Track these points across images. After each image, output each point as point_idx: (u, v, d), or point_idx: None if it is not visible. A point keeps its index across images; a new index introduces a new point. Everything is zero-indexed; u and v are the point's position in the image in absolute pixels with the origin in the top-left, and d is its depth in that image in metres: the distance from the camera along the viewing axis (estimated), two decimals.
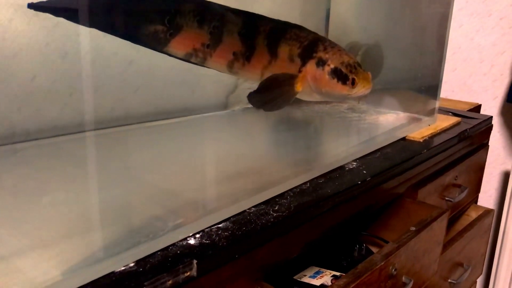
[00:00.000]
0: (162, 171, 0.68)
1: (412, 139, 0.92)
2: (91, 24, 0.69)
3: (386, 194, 0.80)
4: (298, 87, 0.75)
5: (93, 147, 0.72)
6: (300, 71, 0.75)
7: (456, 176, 1.02)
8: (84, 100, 0.77)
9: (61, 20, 0.70)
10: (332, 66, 0.73)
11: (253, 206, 0.58)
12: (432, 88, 1.01)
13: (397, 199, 0.84)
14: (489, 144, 1.17)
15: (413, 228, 0.74)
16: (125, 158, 0.72)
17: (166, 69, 0.87)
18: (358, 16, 1.07)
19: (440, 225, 0.81)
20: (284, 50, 0.75)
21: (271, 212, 0.57)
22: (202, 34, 0.74)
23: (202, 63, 0.77)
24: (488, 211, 1.19)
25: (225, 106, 0.96)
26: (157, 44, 0.73)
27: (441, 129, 0.98)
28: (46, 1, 0.64)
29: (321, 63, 0.73)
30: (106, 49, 0.79)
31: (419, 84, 1.02)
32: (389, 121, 0.99)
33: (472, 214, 1.20)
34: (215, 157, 0.75)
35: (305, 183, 0.67)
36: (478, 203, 1.27)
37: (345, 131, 0.95)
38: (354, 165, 0.76)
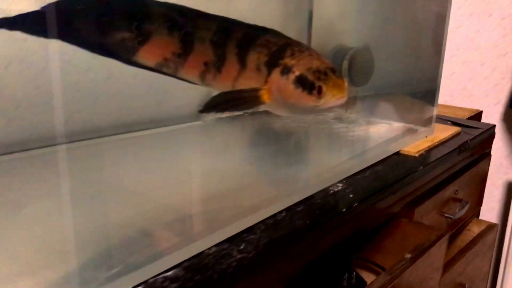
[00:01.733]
0: (106, 199, 0.58)
1: (406, 153, 0.83)
2: (52, 36, 0.61)
3: (378, 214, 0.71)
4: (265, 99, 0.65)
5: (36, 168, 0.63)
6: (266, 82, 0.64)
7: (456, 190, 0.94)
8: (33, 114, 0.68)
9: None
10: (297, 73, 0.61)
11: (214, 245, 0.48)
12: (429, 95, 0.93)
13: (391, 219, 0.75)
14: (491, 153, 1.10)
15: (408, 256, 0.67)
16: (58, 183, 0.62)
17: (128, 76, 0.78)
18: (344, 16, 0.97)
19: (439, 249, 0.74)
20: (252, 59, 0.65)
21: (235, 253, 0.47)
22: (172, 42, 0.65)
23: (174, 74, 0.68)
24: (491, 226, 1.12)
25: (196, 116, 0.87)
26: (125, 53, 0.64)
27: (439, 141, 0.90)
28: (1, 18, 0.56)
29: (286, 70, 0.62)
30: (56, 56, 0.70)
31: (414, 90, 0.94)
32: (381, 133, 0.90)
33: (474, 229, 1.13)
34: (176, 180, 0.65)
35: (280, 212, 0.57)
36: (480, 217, 1.19)
37: (331, 145, 0.86)
38: (340, 187, 0.66)
